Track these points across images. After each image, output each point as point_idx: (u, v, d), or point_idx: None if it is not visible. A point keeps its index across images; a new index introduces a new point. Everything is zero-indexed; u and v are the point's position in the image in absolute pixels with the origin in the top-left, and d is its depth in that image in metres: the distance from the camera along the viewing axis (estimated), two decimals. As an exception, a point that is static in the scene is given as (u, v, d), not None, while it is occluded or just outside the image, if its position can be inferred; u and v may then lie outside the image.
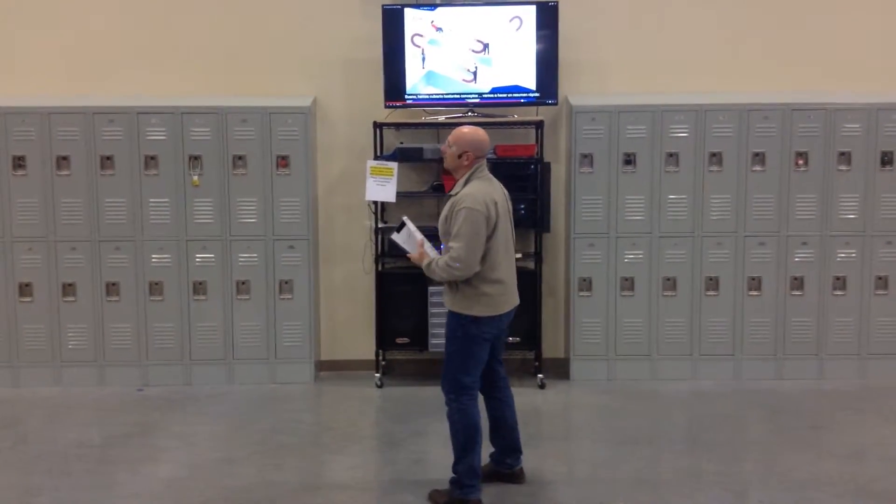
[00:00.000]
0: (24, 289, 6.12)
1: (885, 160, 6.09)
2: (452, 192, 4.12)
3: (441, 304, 5.99)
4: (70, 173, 6.05)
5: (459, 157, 4.10)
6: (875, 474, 4.54)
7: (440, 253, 4.16)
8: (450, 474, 4.20)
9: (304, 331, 6.24)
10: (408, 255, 4.30)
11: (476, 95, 6.16)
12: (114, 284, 6.13)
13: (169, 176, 6.07)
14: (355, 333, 6.53)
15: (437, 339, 6.08)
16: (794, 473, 4.53)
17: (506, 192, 4.26)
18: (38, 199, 6.06)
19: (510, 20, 6.10)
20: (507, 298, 4.15)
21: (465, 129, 4.16)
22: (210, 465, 4.75)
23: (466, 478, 4.09)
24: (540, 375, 6.19)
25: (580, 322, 6.24)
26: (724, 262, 6.16)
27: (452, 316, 4.13)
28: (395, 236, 4.32)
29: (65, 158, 6.04)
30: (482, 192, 4.04)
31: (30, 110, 6.02)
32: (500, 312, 4.11)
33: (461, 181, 4.12)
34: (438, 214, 6.29)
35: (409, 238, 4.28)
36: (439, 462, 4.63)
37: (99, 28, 6.36)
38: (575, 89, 6.36)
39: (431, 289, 6.09)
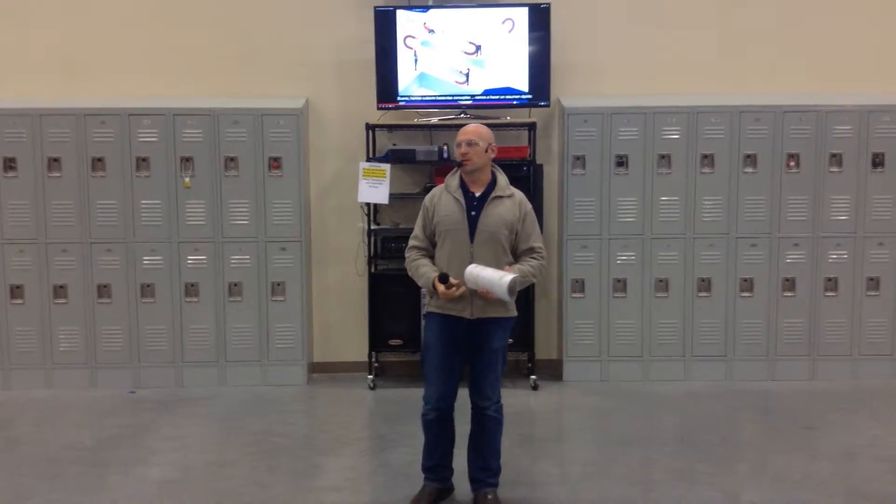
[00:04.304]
0: (15, 291, 6.09)
1: (877, 162, 6.11)
2: (502, 193, 4.03)
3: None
4: (61, 175, 6.03)
5: (486, 150, 4.03)
6: (867, 475, 4.55)
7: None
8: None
9: (296, 333, 6.23)
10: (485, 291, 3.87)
11: (468, 97, 6.16)
12: (105, 286, 6.11)
13: (161, 178, 6.06)
14: (348, 335, 6.52)
15: (430, 340, 6.07)
16: (786, 474, 4.53)
17: None
18: (29, 201, 6.04)
19: (502, 22, 6.11)
20: None
21: (473, 125, 4.11)
22: (202, 467, 4.73)
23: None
24: (533, 377, 6.19)
25: (573, 323, 6.25)
26: (716, 264, 6.18)
27: (509, 322, 4.09)
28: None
29: (56, 160, 6.03)
30: None
31: (21, 112, 6.01)
32: None
33: (505, 180, 4.09)
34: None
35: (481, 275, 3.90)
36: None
37: (90, 29, 6.35)
38: (567, 91, 6.37)
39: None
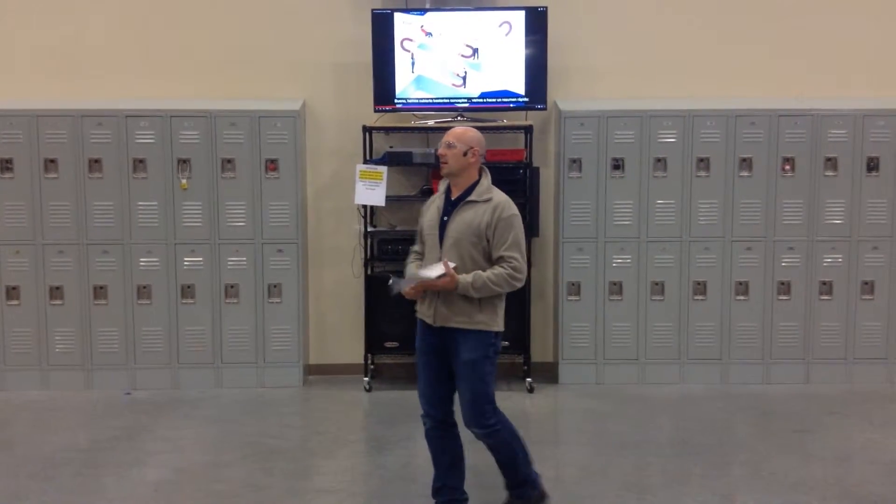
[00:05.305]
0: (11, 292, 6.08)
1: (871, 166, 6.13)
2: (477, 198, 3.89)
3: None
4: (58, 176, 6.02)
5: (465, 154, 3.89)
6: (861, 478, 4.57)
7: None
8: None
9: (292, 335, 6.23)
10: (415, 286, 3.91)
11: (465, 100, 6.17)
12: (101, 288, 6.11)
13: (157, 179, 6.06)
14: (344, 337, 6.52)
15: (426, 343, 6.08)
16: (781, 477, 4.55)
17: None
18: (25, 203, 6.03)
19: (499, 25, 6.12)
20: None
21: (459, 128, 4.02)
22: (198, 469, 4.74)
23: (530, 475, 4.04)
24: (529, 379, 6.19)
25: (569, 326, 6.26)
26: (712, 267, 6.19)
27: (481, 336, 3.86)
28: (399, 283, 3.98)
29: (52, 161, 6.02)
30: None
31: (17, 113, 6.00)
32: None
33: (486, 185, 3.93)
34: (428, 219, 6.36)
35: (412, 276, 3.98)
36: (428, 466, 4.62)
37: (87, 30, 6.34)
38: (564, 94, 6.38)
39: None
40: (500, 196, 3.93)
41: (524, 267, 3.87)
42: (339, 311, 6.55)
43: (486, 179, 3.98)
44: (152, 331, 6.15)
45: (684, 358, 6.26)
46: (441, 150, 3.95)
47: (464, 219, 3.88)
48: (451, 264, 3.83)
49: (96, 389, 6.14)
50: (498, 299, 3.92)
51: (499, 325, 3.94)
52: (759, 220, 6.16)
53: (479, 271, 3.83)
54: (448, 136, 3.96)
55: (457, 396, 3.99)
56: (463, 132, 3.98)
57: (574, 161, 6.16)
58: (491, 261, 3.88)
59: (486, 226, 3.84)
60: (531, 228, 6.16)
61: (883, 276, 6.20)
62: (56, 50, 6.35)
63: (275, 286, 6.18)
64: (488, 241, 3.85)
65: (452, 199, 3.96)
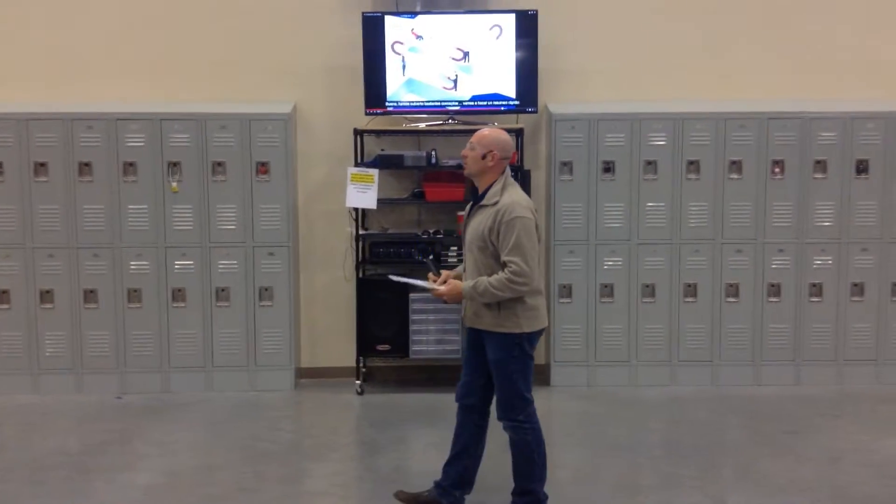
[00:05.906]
0: (2, 296, 6.06)
1: (861, 168, 6.16)
2: (487, 202, 3.87)
3: (423, 311, 6.08)
4: (48, 180, 6.00)
5: (484, 157, 3.88)
6: (852, 479, 4.58)
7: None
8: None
9: (284, 338, 6.22)
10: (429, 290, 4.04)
11: (456, 103, 6.18)
12: (92, 292, 6.09)
13: (148, 182, 6.04)
14: (336, 340, 6.52)
15: (418, 346, 6.10)
16: (771, 478, 4.57)
17: None
18: (15, 206, 6.01)
19: (490, 28, 6.13)
20: (545, 309, 4.03)
21: (485, 129, 4.02)
22: (189, 472, 4.73)
23: (539, 493, 4.05)
24: (520, 382, 6.20)
25: (560, 328, 6.27)
26: (702, 269, 6.21)
27: (503, 337, 3.86)
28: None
29: (43, 165, 6.00)
30: (524, 199, 3.90)
31: (7, 116, 5.97)
32: (545, 324, 4.00)
33: (497, 189, 3.88)
34: (419, 221, 6.40)
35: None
36: (420, 469, 4.64)
37: (77, 34, 6.32)
38: (554, 97, 6.40)
39: (413, 296, 6.08)
40: (509, 198, 3.86)
41: (527, 270, 3.77)
42: (331, 314, 6.55)
43: (499, 183, 3.91)
44: (143, 334, 6.13)
45: (675, 360, 6.27)
46: (463, 152, 3.99)
47: (473, 223, 3.92)
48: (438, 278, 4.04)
49: (87, 393, 6.11)
50: (518, 302, 3.84)
51: (521, 326, 3.87)
52: (749, 222, 6.19)
53: (483, 277, 3.83)
54: (473, 138, 3.97)
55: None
56: (486, 134, 3.97)
57: (565, 164, 6.17)
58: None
59: (488, 230, 3.82)
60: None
61: (872, 277, 6.23)
62: (47, 53, 6.32)
63: (266, 289, 6.17)
64: (493, 245, 3.83)
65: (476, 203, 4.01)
